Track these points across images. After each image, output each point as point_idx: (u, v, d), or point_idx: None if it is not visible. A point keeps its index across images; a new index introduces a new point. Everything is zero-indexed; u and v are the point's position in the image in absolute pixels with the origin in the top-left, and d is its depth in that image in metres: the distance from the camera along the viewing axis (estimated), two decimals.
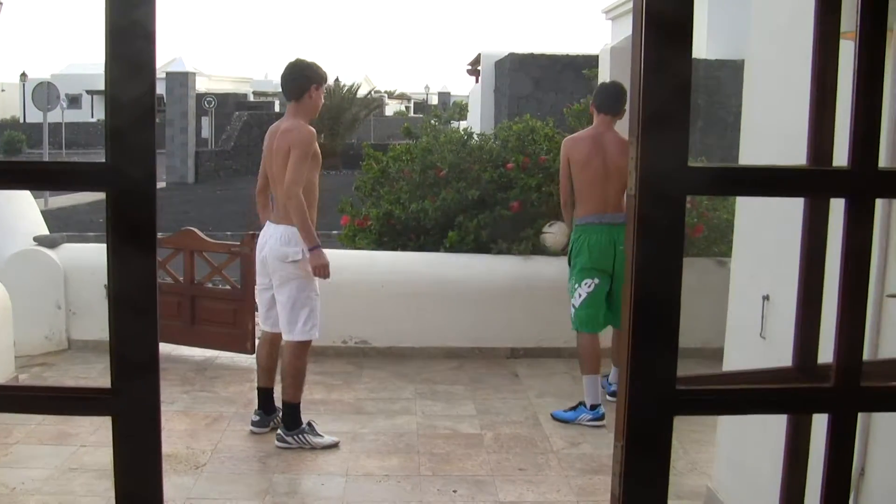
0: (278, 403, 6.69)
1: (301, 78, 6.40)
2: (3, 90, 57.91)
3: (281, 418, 6.54)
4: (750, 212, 5.02)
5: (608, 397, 7.25)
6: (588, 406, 6.97)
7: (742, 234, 5.16)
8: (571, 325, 7.19)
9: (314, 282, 6.37)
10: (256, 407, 6.77)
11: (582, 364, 7.09)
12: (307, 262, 6.25)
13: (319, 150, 6.43)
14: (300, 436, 6.42)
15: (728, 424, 5.18)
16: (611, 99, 7.27)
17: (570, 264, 7.22)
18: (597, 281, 7.05)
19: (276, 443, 6.43)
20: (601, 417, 6.91)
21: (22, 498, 5.52)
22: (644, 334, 1.75)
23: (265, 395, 6.75)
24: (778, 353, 3.75)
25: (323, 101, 6.60)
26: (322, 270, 6.25)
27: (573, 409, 7.05)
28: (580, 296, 7.07)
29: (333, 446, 6.43)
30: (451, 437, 6.69)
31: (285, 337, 6.46)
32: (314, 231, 6.24)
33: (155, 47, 1.66)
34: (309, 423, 6.48)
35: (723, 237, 8.63)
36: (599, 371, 7.09)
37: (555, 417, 7.06)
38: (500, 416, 7.10)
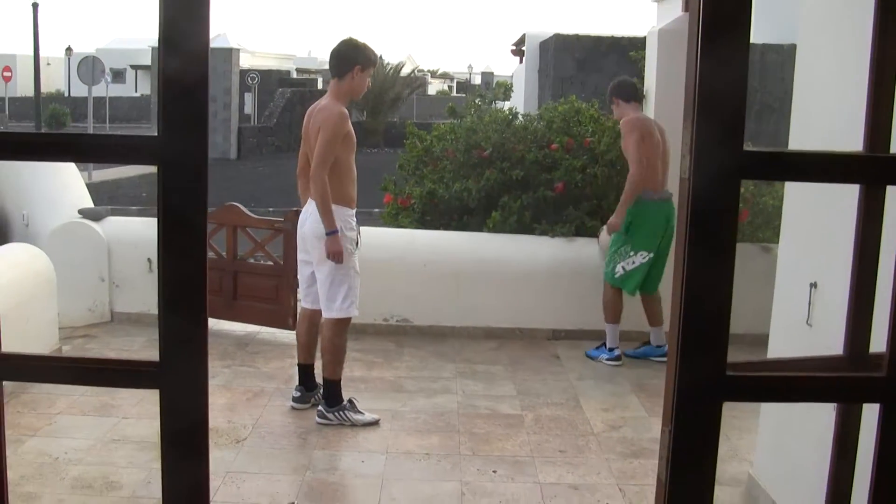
0: (319, 380, 6.71)
1: (346, 57, 6.39)
2: (48, 64, 58.20)
3: (322, 394, 6.56)
4: (798, 198, 4.97)
5: (661, 359, 7.99)
6: (608, 348, 8.06)
7: (790, 220, 5.11)
8: (606, 276, 8.06)
9: (353, 259, 6.37)
10: (297, 383, 6.80)
11: (609, 313, 8.09)
12: (345, 239, 6.26)
13: (353, 131, 6.41)
14: (341, 412, 6.44)
15: (771, 412, 5.14)
16: (636, 89, 8.21)
17: (626, 232, 7.86)
18: (651, 255, 7.86)
19: (317, 419, 6.46)
20: (618, 358, 8.03)
21: (65, 468, 5.57)
22: (695, 319, 1.73)
23: (305, 371, 6.78)
24: (824, 341, 3.72)
25: (369, 84, 6.58)
26: (336, 256, 6.23)
27: (598, 348, 8.18)
28: (633, 262, 7.87)
29: (374, 424, 6.45)
30: (491, 417, 6.69)
31: (324, 314, 6.47)
32: (332, 214, 6.20)
33: (209, 22, 1.66)
34: (350, 401, 6.50)
35: (768, 223, 8.57)
36: (620, 320, 8.09)
37: (588, 355, 8.21)
38: (540, 397, 7.08)
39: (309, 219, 6.38)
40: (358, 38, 6.52)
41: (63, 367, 2.13)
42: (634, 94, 8.13)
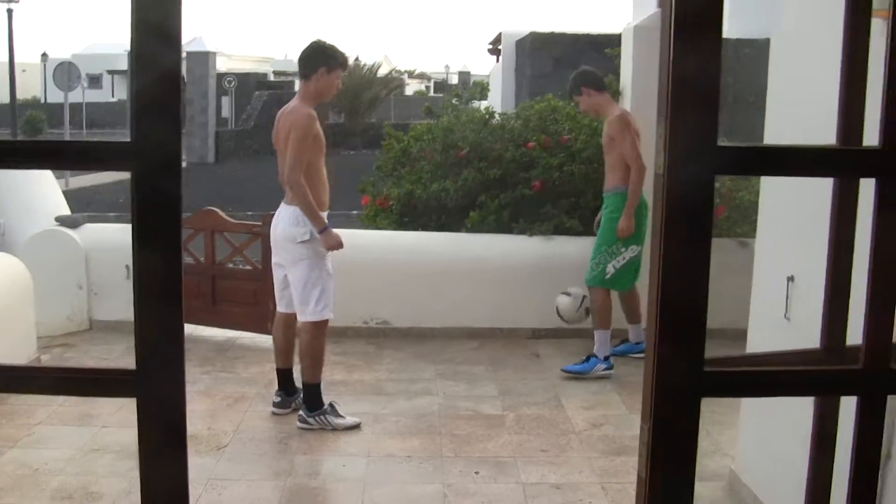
0: (299, 384, 6.70)
1: (312, 59, 6.41)
2: (24, 70, 57.85)
3: (302, 399, 6.54)
4: (774, 192, 4.99)
5: (639, 355, 7.82)
6: (602, 357, 7.58)
7: (766, 214, 5.13)
8: (595, 281, 7.69)
9: (325, 262, 6.38)
10: (277, 388, 6.78)
11: (601, 320, 7.67)
12: (316, 242, 6.27)
13: (321, 134, 6.41)
14: (322, 416, 6.42)
15: (752, 406, 5.16)
16: (600, 78, 7.93)
17: (610, 228, 7.61)
18: (639, 248, 7.67)
19: (298, 423, 6.45)
20: (612, 367, 7.60)
21: (45, 478, 5.54)
22: (671, 315, 1.73)
23: (284, 376, 6.77)
24: (803, 334, 3.73)
25: (339, 85, 6.58)
26: (336, 247, 6.33)
27: (584, 361, 7.62)
28: (623, 259, 7.64)
29: (355, 427, 6.44)
30: (473, 418, 6.68)
31: (300, 318, 6.48)
32: (319, 213, 6.23)
33: (181, 27, 1.65)
34: (331, 405, 6.49)
35: (745, 218, 8.59)
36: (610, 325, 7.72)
37: (568, 371, 7.60)
38: (521, 396, 7.08)
39: (281, 222, 6.39)
40: (325, 40, 6.54)
41: (38, 376, 2.11)
42: (603, 83, 7.93)
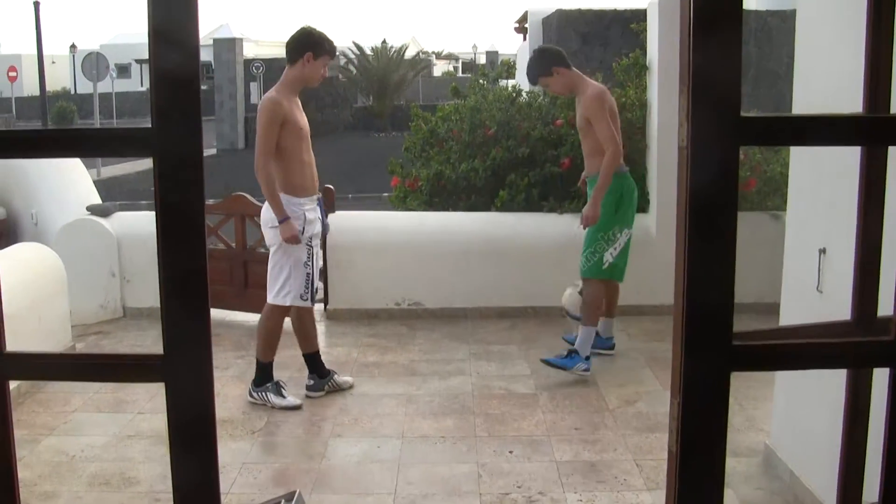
0: (330, 367, 6.88)
1: (298, 43, 6.44)
2: (53, 62, 58.26)
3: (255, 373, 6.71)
4: (804, 164, 4.94)
5: (608, 352, 7.55)
6: (584, 356, 7.00)
7: (796, 186, 5.08)
8: (591, 272, 7.09)
9: (300, 251, 6.44)
10: (308, 372, 6.81)
11: (591, 314, 7.10)
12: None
13: (297, 118, 6.45)
14: (262, 392, 6.59)
15: (784, 380, 5.13)
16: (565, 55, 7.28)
17: (616, 211, 7.05)
18: (630, 232, 7.19)
19: (247, 398, 6.65)
20: (589, 369, 7.02)
21: (81, 465, 5.58)
22: (698, 290, 1.71)
23: (311, 359, 6.84)
24: (835, 306, 3.70)
25: (325, 73, 6.61)
26: (292, 240, 6.33)
27: (568, 356, 7.05)
28: (619, 245, 7.08)
29: (295, 408, 6.53)
30: (506, 397, 6.68)
31: (267, 298, 6.60)
32: (279, 202, 6.29)
33: (197, 12, 1.64)
34: (276, 383, 6.63)
35: (776, 190, 8.53)
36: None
37: (547, 363, 7.09)
38: (554, 375, 7.06)
39: (263, 207, 6.52)
40: (314, 27, 6.56)
41: (68, 364, 2.12)
42: (569, 60, 7.21)
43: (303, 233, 6.39)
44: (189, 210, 1.70)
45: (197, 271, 1.72)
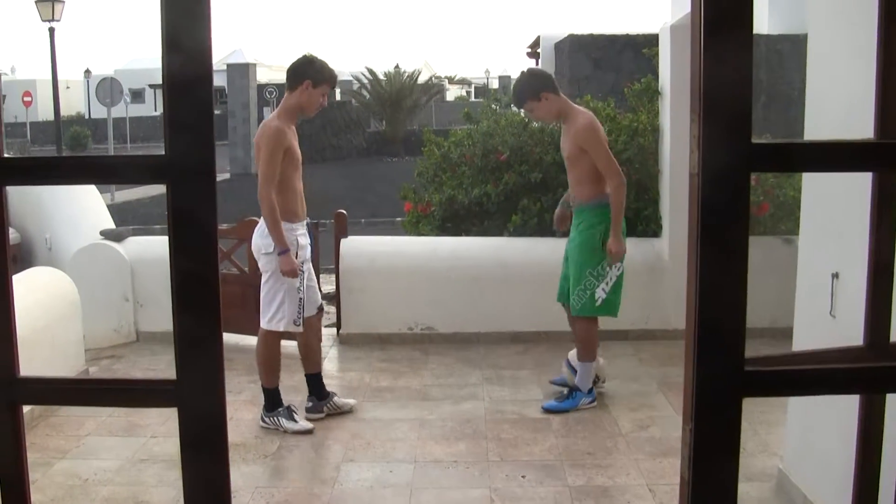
0: (330, 389, 6.97)
1: (298, 71, 6.46)
2: (68, 87, 58.62)
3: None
4: (816, 188, 4.94)
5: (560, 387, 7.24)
6: (585, 390, 6.86)
7: (809, 210, 5.08)
8: (582, 311, 6.83)
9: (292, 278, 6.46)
10: (308, 393, 6.84)
11: (587, 351, 6.89)
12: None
13: (295, 147, 6.45)
14: (275, 418, 6.58)
15: (797, 405, 5.11)
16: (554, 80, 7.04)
17: (589, 247, 6.74)
18: (622, 266, 6.85)
19: (260, 423, 6.63)
20: (595, 399, 6.91)
21: (94, 489, 5.59)
22: (710, 315, 1.72)
23: (312, 380, 6.89)
24: (849, 331, 3.68)
25: (324, 103, 6.59)
26: (290, 274, 6.34)
27: (568, 397, 6.89)
28: (611, 280, 6.76)
29: (307, 433, 6.52)
30: (519, 421, 6.67)
31: (261, 324, 6.61)
32: (282, 233, 6.28)
33: (210, 40, 1.66)
34: (288, 408, 6.63)
35: (789, 214, 8.52)
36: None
37: (549, 410, 6.81)
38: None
39: (255, 233, 6.53)
40: (315, 55, 6.58)
41: (81, 389, 2.13)
42: (557, 86, 6.94)
43: (296, 257, 6.42)
44: (202, 236, 1.72)
45: (209, 296, 1.73)
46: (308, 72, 6.41)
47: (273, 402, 6.61)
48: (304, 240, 6.55)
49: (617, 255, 6.68)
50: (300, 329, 6.59)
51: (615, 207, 6.58)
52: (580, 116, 6.73)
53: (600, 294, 6.76)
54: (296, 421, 6.54)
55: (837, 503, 4.40)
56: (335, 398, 6.87)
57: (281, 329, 6.51)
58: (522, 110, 8.01)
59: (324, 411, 6.76)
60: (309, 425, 6.55)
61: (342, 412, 6.83)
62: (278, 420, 6.53)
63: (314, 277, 6.85)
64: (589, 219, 6.76)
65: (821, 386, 2.02)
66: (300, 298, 6.49)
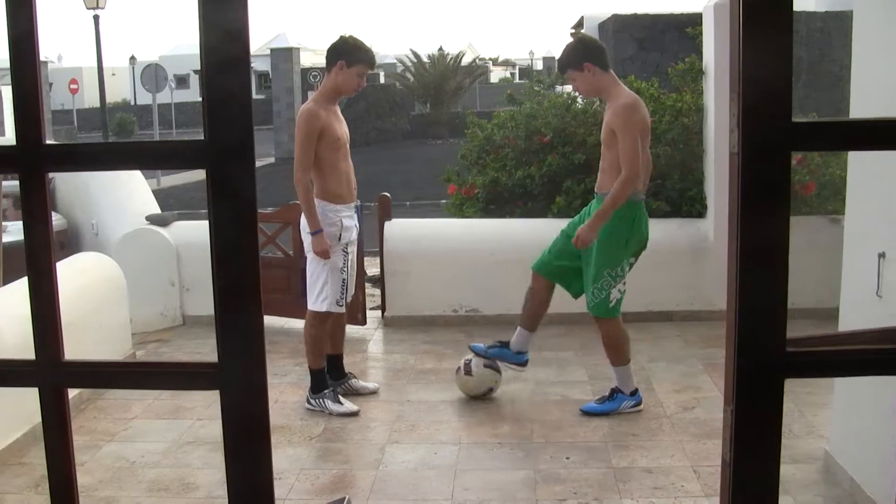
0: (349, 369, 7.06)
1: (333, 51, 6.47)
2: (113, 74, 58.96)
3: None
4: (862, 167, 4.89)
5: (517, 368, 6.82)
6: (628, 393, 6.45)
7: (855, 190, 5.03)
8: (599, 311, 6.46)
9: (336, 257, 6.49)
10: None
11: (617, 354, 6.47)
12: (326, 235, 6.41)
13: (333, 127, 6.42)
14: (320, 399, 6.62)
15: (843, 386, 5.07)
16: (607, 54, 6.38)
17: (614, 244, 6.26)
18: (635, 261, 6.51)
19: (305, 404, 6.67)
20: (640, 401, 6.48)
21: (141, 471, 5.65)
22: (751, 296, 1.70)
23: (331, 361, 6.91)
24: (895, 311, 3.66)
25: (361, 83, 6.56)
26: (322, 255, 6.39)
27: (609, 399, 6.47)
28: (626, 280, 6.41)
29: (352, 415, 6.54)
30: (563, 403, 6.66)
31: (308, 305, 6.66)
32: (315, 213, 6.33)
33: (248, 22, 1.67)
34: (333, 390, 6.66)
35: (835, 194, 8.43)
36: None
37: (587, 412, 6.44)
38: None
39: (302, 215, 6.55)
40: (353, 36, 6.57)
41: (125, 372, 2.16)
42: (609, 62, 6.32)
43: (339, 239, 6.46)
44: (241, 221, 1.72)
45: (250, 281, 1.74)
46: (341, 52, 6.41)
47: (319, 383, 6.64)
48: (349, 221, 6.56)
49: (583, 243, 6.19)
50: (342, 310, 6.61)
51: (612, 198, 6.04)
52: (622, 96, 6.18)
53: (615, 295, 6.37)
54: (341, 403, 6.57)
55: (884, 485, 4.38)
56: (352, 380, 6.93)
57: (324, 309, 6.53)
58: (564, 88, 7.84)
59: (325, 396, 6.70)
60: (354, 407, 6.58)
61: (360, 394, 6.89)
62: (323, 402, 6.56)
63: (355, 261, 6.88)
64: (616, 211, 6.13)
65: (864, 367, 2.00)
66: (343, 279, 6.51)
